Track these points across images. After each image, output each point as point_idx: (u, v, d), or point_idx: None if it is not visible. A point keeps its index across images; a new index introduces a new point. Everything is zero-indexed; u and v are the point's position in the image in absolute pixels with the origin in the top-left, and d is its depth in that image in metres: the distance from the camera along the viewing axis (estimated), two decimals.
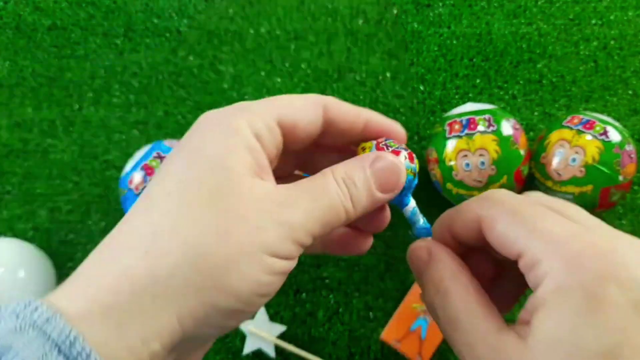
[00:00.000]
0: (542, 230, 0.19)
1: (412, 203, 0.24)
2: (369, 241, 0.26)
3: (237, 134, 0.20)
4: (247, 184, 0.19)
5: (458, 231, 0.23)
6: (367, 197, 0.22)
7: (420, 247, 0.23)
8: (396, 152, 0.23)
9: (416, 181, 0.24)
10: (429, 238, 0.24)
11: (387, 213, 0.25)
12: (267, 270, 0.19)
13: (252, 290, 0.19)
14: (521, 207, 0.21)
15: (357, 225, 0.26)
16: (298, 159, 0.26)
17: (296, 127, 0.22)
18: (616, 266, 0.17)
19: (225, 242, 0.18)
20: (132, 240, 0.18)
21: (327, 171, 0.21)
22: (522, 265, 0.19)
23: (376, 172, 0.22)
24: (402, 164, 0.23)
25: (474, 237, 0.22)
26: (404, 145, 0.24)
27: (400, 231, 0.52)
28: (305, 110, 0.22)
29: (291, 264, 0.20)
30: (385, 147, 0.23)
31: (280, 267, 0.19)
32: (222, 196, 0.19)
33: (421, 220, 0.25)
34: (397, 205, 0.24)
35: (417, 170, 0.24)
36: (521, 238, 0.19)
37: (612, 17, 0.61)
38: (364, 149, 0.24)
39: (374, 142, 0.24)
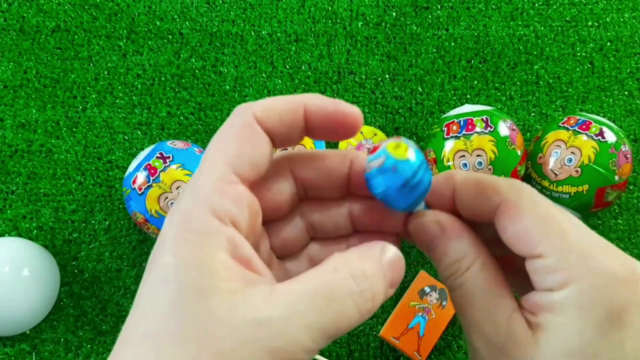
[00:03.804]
0: (574, 239, 0.19)
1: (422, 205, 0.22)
2: None
3: (206, 230, 0.17)
4: (229, 307, 0.16)
5: (469, 204, 0.21)
6: (382, 295, 0.19)
7: (431, 222, 0.21)
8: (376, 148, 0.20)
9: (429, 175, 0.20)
10: (434, 211, 0.22)
11: None
12: None
13: None
14: (551, 207, 0.20)
15: None
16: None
17: (252, 165, 0.19)
18: None
19: None
20: None
21: (340, 266, 0.18)
22: (538, 265, 0.19)
23: (388, 265, 0.19)
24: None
25: (483, 216, 0.21)
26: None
27: None
28: (248, 142, 0.19)
29: None
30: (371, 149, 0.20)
31: None
32: (201, 332, 0.16)
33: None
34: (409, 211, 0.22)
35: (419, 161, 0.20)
36: (546, 238, 0.19)
37: (608, 19, 0.62)
38: (399, 147, 0.20)
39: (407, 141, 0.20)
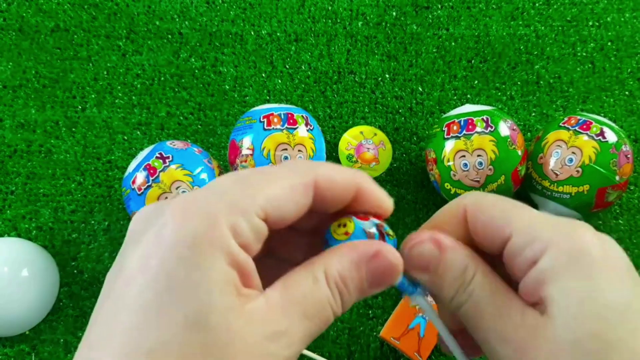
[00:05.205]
0: (531, 214, 0.21)
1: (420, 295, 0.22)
2: None
3: (218, 249, 0.17)
4: (241, 322, 0.17)
5: (442, 227, 0.23)
6: (356, 297, 0.20)
7: (425, 241, 0.22)
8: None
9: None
10: (424, 231, 0.23)
11: None
12: None
13: None
14: (511, 201, 0.22)
15: None
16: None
17: (283, 219, 0.19)
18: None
19: None
20: None
21: (319, 275, 0.19)
22: (513, 246, 0.20)
23: (372, 270, 0.20)
24: (401, 260, 0.20)
25: (458, 232, 0.22)
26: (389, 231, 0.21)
27: (399, 231, 0.53)
28: (295, 196, 0.19)
29: None
30: (374, 232, 0.21)
31: None
32: (219, 349, 0.17)
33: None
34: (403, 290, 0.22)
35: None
36: (512, 220, 0.20)
37: (609, 19, 0.61)
38: (343, 227, 0.21)
39: (356, 222, 0.21)
